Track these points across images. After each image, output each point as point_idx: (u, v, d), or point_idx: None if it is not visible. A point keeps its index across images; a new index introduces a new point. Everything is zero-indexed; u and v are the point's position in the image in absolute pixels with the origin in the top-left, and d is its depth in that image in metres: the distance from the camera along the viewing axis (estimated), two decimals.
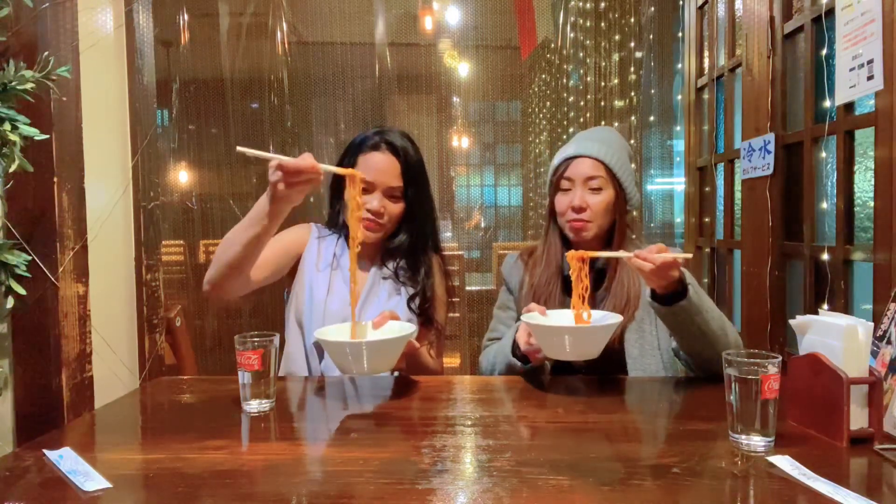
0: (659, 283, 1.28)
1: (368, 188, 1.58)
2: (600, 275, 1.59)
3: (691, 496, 0.81)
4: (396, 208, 1.62)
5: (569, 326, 1.34)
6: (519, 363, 1.45)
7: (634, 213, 1.64)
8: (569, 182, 1.57)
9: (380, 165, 1.59)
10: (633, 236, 1.64)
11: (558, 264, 1.62)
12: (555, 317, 1.41)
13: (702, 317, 1.31)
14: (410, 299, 1.62)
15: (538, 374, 1.48)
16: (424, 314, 1.64)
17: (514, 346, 1.46)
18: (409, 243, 1.66)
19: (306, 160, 1.26)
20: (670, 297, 1.30)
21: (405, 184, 1.61)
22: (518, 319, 1.53)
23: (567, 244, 1.62)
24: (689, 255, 1.30)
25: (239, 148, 1.30)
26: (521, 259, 1.74)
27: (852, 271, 1.74)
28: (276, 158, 1.26)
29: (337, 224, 1.71)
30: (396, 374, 1.56)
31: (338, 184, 1.68)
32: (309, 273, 1.63)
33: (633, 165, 1.65)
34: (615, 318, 1.32)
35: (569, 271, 1.41)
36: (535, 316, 1.38)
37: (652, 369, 1.49)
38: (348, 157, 1.64)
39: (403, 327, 1.38)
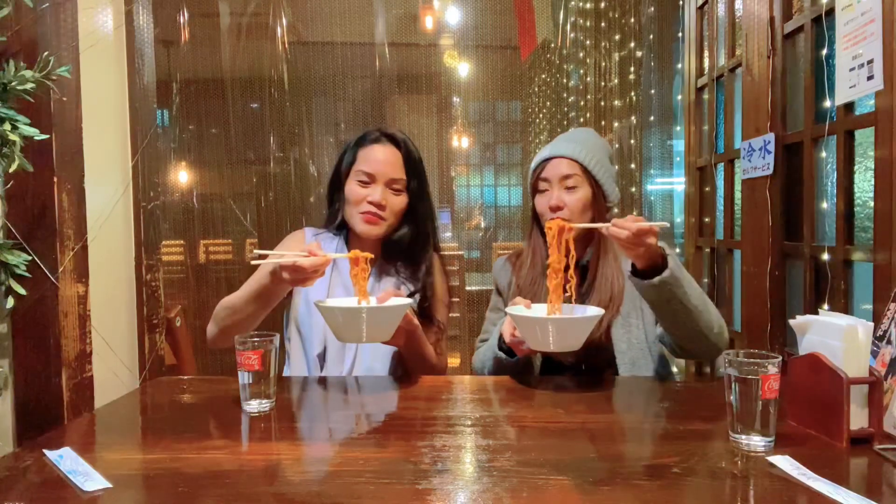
0: (636, 250, 1.29)
1: (369, 180, 1.57)
2: (584, 271, 1.60)
3: (691, 496, 0.81)
4: (399, 201, 1.60)
5: (550, 318, 1.34)
6: (504, 356, 1.47)
7: (615, 209, 1.65)
8: (545, 183, 1.59)
9: (381, 157, 1.58)
10: None
11: (543, 265, 1.63)
12: (539, 310, 1.41)
13: (682, 290, 1.33)
14: (410, 297, 1.62)
15: (525, 372, 1.51)
16: (425, 312, 1.63)
17: (501, 339, 1.48)
18: (409, 239, 1.65)
19: (319, 257, 1.27)
20: (651, 271, 1.32)
21: (407, 176, 1.60)
22: None
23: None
24: (666, 224, 1.31)
25: (256, 252, 1.34)
26: (509, 261, 1.76)
27: (852, 271, 1.74)
28: (290, 259, 1.27)
29: (335, 222, 1.67)
30: (395, 366, 1.55)
31: (337, 181, 1.66)
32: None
33: (615, 166, 1.66)
34: (597, 311, 1.33)
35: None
36: (520, 308, 1.38)
37: (640, 362, 1.50)
38: (348, 153, 1.63)
39: (404, 301, 1.40)
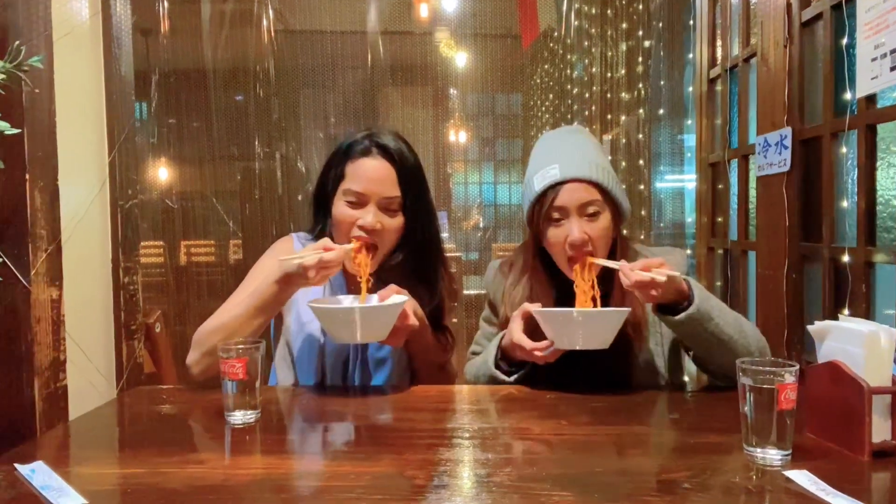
0: (645, 299, 1.31)
1: (359, 201, 1.46)
2: (602, 300, 1.56)
3: None
4: (394, 223, 1.49)
5: (581, 310, 1.38)
6: (507, 378, 1.45)
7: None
8: (559, 212, 1.43)
9: (372, 173, 1.46)
10: (636, 246, 1.61)
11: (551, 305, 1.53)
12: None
13: (713, 323, 1.31)
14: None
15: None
16: (436, 324, 1.58)
17: (499, 359, 1.47)
18: (410, 265, 1.54)
19: (339, 249, 1.32)
20: (675, 306, 1.31)
21: (403, 193, 1.48)
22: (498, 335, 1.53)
23: (557, 278, 1.53)
24: (676, 273, 1.28)
25: (281, 259, 1.37)
26: (500, 271, 1.66)
27: (874, 274, 1.75)
28: (314, 257, 1.30)
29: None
30: (393, 369, 1.54)
31: (323, 194, 1.56)
32: (296, 299, 1.49)
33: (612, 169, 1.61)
34: (625, 308, 1.36)
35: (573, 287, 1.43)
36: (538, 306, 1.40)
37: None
38: (335, 165, 1.52)
39: (398, 300, 1.39)
